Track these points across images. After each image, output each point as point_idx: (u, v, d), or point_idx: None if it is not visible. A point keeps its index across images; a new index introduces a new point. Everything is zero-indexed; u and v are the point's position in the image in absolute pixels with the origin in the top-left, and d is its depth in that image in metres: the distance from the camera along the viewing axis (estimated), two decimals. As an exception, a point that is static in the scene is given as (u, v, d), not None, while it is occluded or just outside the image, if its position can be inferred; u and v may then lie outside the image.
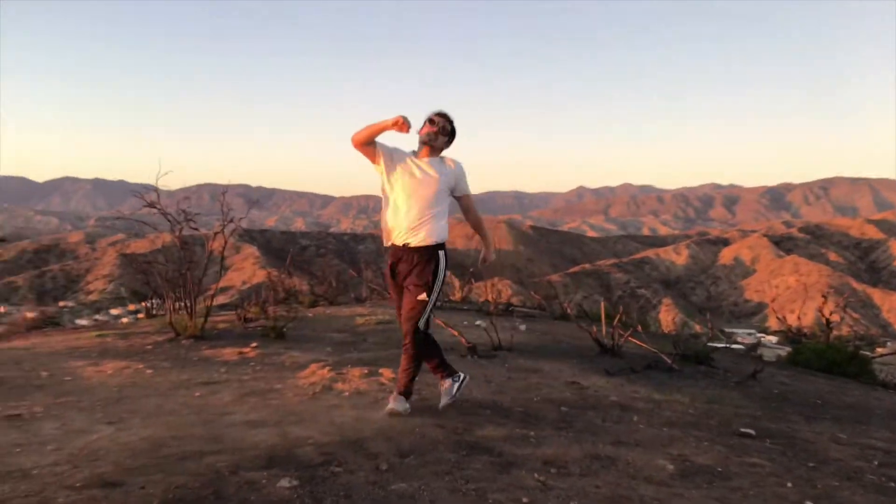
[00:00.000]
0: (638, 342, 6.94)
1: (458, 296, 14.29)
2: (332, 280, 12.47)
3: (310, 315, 11.00)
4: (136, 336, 6.97)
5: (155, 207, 6.82)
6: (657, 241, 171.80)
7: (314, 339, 7.50)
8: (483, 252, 4.28)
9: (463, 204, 4.07)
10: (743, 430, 3.98)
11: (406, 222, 3.80)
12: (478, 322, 9.55)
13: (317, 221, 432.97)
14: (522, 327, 9.96)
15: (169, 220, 6.99)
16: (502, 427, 3.65)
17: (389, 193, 3.89)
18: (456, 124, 3.94)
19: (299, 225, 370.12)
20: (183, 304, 7.03)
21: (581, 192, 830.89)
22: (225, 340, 6.81)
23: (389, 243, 3.94)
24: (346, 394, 4.36)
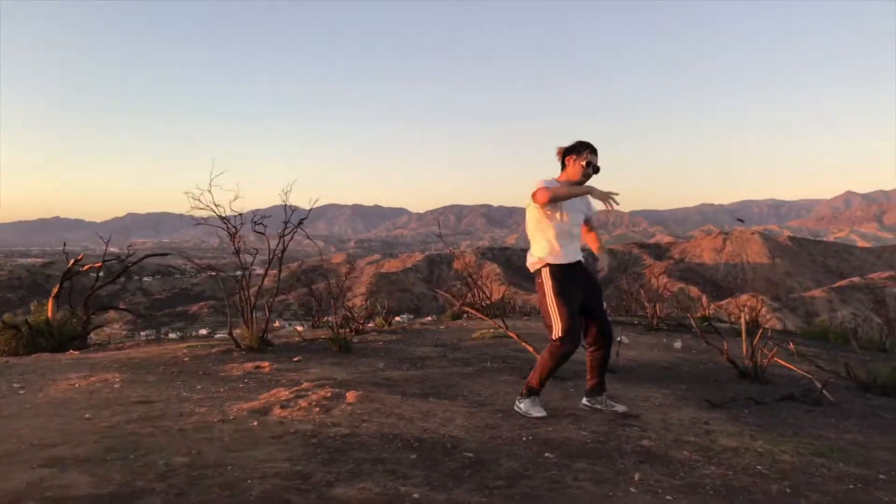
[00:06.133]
0: (785, 364, 4.86)
1: (700, 313, 12.33)
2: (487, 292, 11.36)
3: (441, 328, 10.04)
4: (208, 348, 6.52)
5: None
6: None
7: (389, 353, 6.50)
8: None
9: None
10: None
11: None
12: (619, 338, 7.84)
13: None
14: (678, 345, 8.04)
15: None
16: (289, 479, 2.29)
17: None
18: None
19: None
20: (241, 314, 6.48)
21: (849, 197, 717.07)
22: (274, 354, 6.10)
23: None
24: (276, 420, 3.25)
